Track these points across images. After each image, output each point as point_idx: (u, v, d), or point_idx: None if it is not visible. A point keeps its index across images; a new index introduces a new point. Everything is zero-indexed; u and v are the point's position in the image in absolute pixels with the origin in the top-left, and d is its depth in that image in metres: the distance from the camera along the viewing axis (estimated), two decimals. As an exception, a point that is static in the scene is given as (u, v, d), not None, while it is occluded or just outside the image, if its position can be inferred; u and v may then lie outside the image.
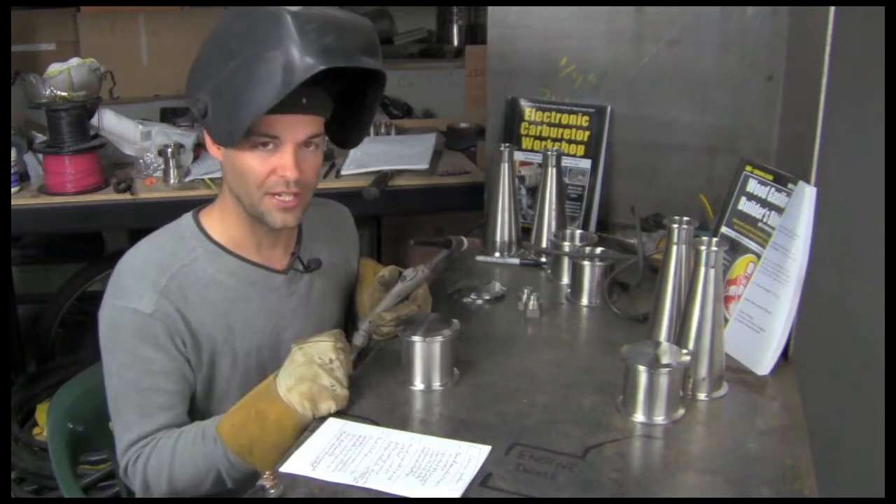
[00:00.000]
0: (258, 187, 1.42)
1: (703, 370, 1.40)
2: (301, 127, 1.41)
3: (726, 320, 1.51)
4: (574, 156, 2.18)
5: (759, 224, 1.53)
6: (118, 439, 1.45)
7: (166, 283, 1.43)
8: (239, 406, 1.38)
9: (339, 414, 1.35)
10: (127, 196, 2.45)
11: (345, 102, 1.50)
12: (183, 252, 1.48)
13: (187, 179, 2.53)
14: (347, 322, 1.72)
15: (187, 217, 1.53)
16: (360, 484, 1.18)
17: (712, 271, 1.37)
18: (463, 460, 1.22)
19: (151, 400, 1.42)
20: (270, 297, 1.53)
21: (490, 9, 2.24)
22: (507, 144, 2.05)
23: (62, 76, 2.38)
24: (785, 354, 1.49)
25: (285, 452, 1.27)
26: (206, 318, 1.46)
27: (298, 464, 1.23)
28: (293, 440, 1.31)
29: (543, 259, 1.99)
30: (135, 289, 1.43)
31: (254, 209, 1.45)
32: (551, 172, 1.99)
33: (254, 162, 1.41)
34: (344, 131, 1.55)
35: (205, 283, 1.47)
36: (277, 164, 1.41)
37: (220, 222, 1.51)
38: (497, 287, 1.84)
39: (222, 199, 1.52)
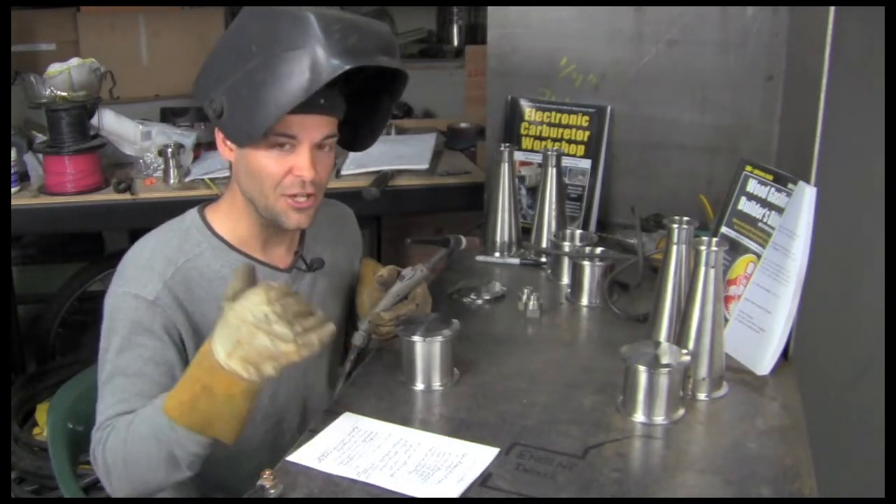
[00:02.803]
0: (274, 188, 1.42)
1: (703, 370, 1.40)
2: (318, 127, 1.41)
3: (726, 320, 1.51)
4: (574, 156, 2.19)
5: (759, 224, 1.53)
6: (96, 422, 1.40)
7: (172, 275, 1.43)
8: (183, 380, 1.30)
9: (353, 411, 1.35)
10: (127, 196, 2.45)
11: (355, 104, 1.51)
12: (188, 247, 1.48)
13: (187, 179, 2.53)
14: (349, 322, 1.72)
15: (192, 213, 1.53)
16: (362, 479, 1.18)
17: (712, 271, 1.37)
18: (468, 461, 1.22)
19: (134, 385, 1.38)
20: None
21: (490, 9, 2.25)
22: (507, 144, 2.05)
23: (62, 76, 2.38)
24: (785, 354, 1.49)
25: (245, 420, 1.26)
26: (209, 313, 1.46)
27: (306, 456, 1.24)
28: (248, 406, 1.25)
29: (543, 259, 1.99)
30: (139, 277, 1.43)
31: (268, 211, 1.45)
32: (551, 172, 1.99)
33: (269, 162, 1.41)
34: (353, 133, 1.56)
35: (209, 279, 1.47)
36: (294, 164, 1.41)
37: (226, 220, 1.51)
38: (497, 287, 1.84)
39: (231, 197, 1.51)
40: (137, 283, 1.42)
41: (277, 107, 1.33)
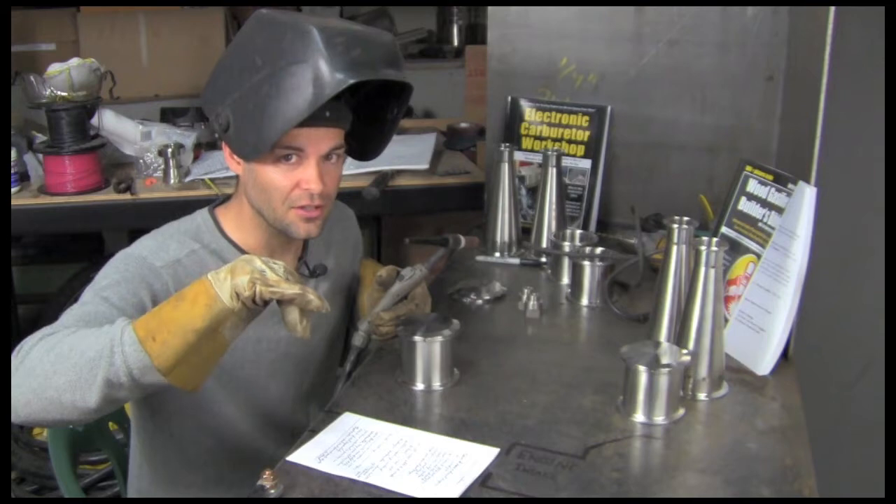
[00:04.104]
0: (282, 201, 1.42)
1: (703, 370, 1.40)
2: (324, 140, 1.41)
3: (726, 320, 1.51)
4: (574, 156, 2.19)
5: (759, 224, 1.53)
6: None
7: (186, 255, 1.43)
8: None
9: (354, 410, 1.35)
10: (127, 196, 2.45)
11: (362, 115, 1.51)
12: (200, 243, 1.49)
13: (187, 179, 2.53)
14: (349, 322, 1.72)
15: (203, 213, 1.53)
16: (362, 479, 1.18)
17: (712, 271, 1.37)
18: (468, 461, 1.22)
19: (108, 312, 1.29)
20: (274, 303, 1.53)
21: (490, 9, 2.25)
22: (507, 144, 2.05)
23: (62, 76, 2.38)
24: (785, 354, 1.49)
25: (189, 347, 1.14)
26: None
27: (305, 456, 1.24)
28: (202, 324, 1.15)
29: (543, 259, 1.99)
30: (154, 248, 1.43)
31: (278, 222, 1.45)
32: (551, 172, 1.99)
33: (277, 175, 1.41)
34: (361, 144, 1.56)
35: None
36: (301, 177, 1.41)
37: (235, 227, 1.51)
38: (497, 287, 1.84)
39: (239, 206, 1.51)
40: (150, 251, 1.43)
41: (283, 121, 1.33)
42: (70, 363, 1.16)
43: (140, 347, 1.14)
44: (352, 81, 1.32)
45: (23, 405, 1.18)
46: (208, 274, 1.19)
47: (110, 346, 1.15)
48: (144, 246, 1.45)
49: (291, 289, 1.17)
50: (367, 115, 1.52)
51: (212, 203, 1.56)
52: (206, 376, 1.23)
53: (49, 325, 1.25)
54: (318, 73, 1.31)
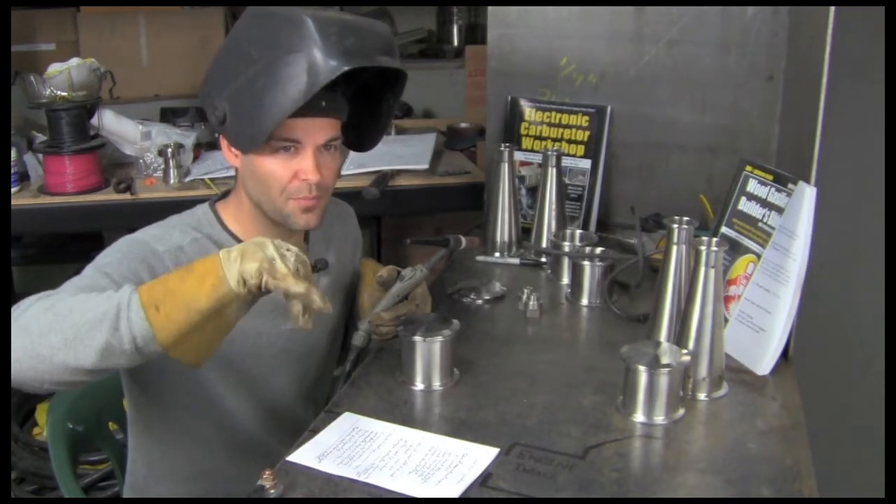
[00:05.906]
0: (280, 192, 1.43)
1: (703, 370, 1.40)
2: (321, 130, 1.42)
3: (726, 320, 1.51)
4: (574, 156, 2.19)
5: (759, 224, 1.53)
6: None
7: (187, 244, 1.44)
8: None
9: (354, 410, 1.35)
10: (127, 196, 2.45)
11: (358, 106, 1.51)
12: (201, 233, 1.49)
13: (187, 179, 2.53)
14: (349, 322, 1.72)
15: (203, 207, 1.54)
16: (362, 479, 1.18)
17: (712, 271, 1.37)
18: (469, 461, 1.22)
19: (103, 288, 1.26)
20: (276, 295, 1.53)
21: (490, 9, 2.25)
22: (507, 144, 2.05)
23: (62, 76, 2.38)
24: (785, 354, 1.49)
25: (192, 326, 1.13)
26: None
27: (305, 456, 1.24)
28: (207, 304, 1.14)
29: (543, 259, 1.99)
30: (156, 235, 1.44)
31: (276, 213, 1.46)
32: (551, 172, 1.99)
33: (275, 167, 1.42)
34: (358, 134, 1.56)
35: None
36: (299, 167, 1.42)
37: (235, 220, 1.52)
38: (497, 287, 1.84)
39: (238, 200, 1.52)
40: (153, 237, 1.43)
41: (279, 111, 1.33)
42: (69, 322, 1.15)
43: (143, 315, 1.13)
44: (346, 68, 1.33)
45: (12, 362, 1.16)
46: (220, 251, 1.17)
47: (116, 310, 1.14)
48: (147, 232, 1.46)
49: (297, 286, 1.16)
50: (363, 105, 1.53)
51: (211, 199, 1.57)
52: (210, 354, 1.21)
53: (48, 291, 1.24)
54: (313, 61, 1.32)
